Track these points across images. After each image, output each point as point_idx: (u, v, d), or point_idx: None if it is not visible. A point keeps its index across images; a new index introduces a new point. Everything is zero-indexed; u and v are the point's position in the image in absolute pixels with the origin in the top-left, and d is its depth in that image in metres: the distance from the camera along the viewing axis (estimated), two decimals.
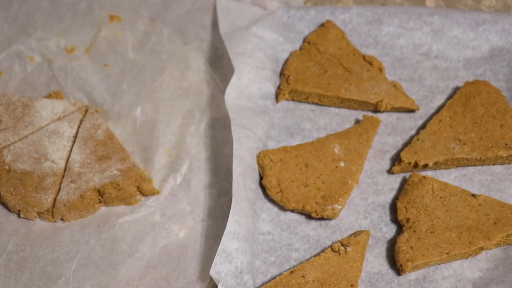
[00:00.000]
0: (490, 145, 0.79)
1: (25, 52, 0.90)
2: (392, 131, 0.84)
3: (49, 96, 0.86)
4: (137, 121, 0.85)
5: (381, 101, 0.84)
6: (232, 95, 0.81)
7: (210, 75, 0.89)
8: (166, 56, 0.91)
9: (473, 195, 0.76)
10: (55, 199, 0.78)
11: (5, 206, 0.79)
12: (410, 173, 0.80)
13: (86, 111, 0.84)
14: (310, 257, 0.74)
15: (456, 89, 0.86)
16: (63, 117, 0.83)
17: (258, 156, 0.80)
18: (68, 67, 0.89)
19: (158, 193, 0.80)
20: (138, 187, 0.79)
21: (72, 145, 0.81)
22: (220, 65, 0.90)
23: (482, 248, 0.73)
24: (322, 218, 0.77)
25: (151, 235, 0.77)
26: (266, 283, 0.72)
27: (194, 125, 0.85)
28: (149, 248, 0.76)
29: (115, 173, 0.79)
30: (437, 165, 0.79)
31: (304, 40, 0.91)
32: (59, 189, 0.78)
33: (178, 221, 0.78)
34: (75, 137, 0.82)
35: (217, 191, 0.80)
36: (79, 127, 0.83)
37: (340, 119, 0.85)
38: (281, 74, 0.88)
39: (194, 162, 0.82)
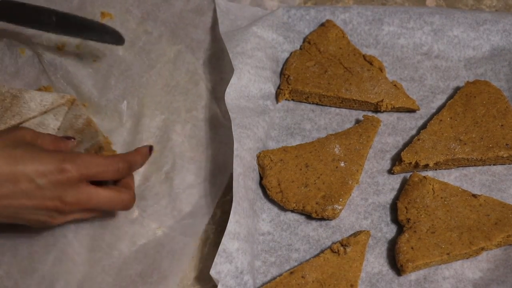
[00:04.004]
0: (490, 145, 0.78)
1: (16, 45, 0.89)
2: (392, 131, 0.84)
3: (39, 90, 0.86)
4: (123, 115, 0.85)
5: (382, 101, 0.83)
6: (232, 95, 0.81)
7: (199, 76, 0.89)
8: (155, 55, 0.91)
9: (474, 195, 0.75)
10: None
11: None
12: (410, 173, 0.80)
13: (73, 103, 0.84)
14: (310, 258, 0.74)
15: (456, 89, 0.86)
16: (51, 109, 0.83)
17: (258, 156, 0.80)
18: (58, 62, 0.89)
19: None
20: None
21: None
22: (209, 65, 0.90)
23: (482, 249, 0.72)
24: (322, 218, 0.77)
25: (130, 232, 0.77)
26: (266, 283, 0.72)
27: (180, 124, 0.85)
28: (127, 245, 0.76)
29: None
30: (437, 165, 0.79)
31: (304, 40, 0.91)
32: None
33: (158, 219, 0.78)
34: (60, 129, 0.82)
35: (198, 192, 0.80)
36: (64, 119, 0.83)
37: (340, 119, 0.85)
38: (281, 74, 0.88)
39: (177, 160, 0.82)
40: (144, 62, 0.90)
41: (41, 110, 0.83)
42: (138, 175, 0.81)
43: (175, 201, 0.79)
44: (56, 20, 0.82)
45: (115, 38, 0.83)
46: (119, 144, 0.84)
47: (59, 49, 0.91)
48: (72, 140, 0.76)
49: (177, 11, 0.94)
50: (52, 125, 0.82)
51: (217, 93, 0.88)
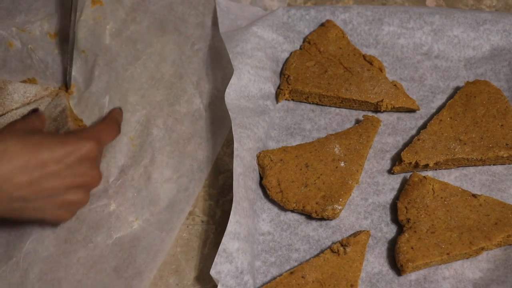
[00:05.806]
0: (490, 145, 0.78)
1: (5, 38, 0.89)
2: (392, 131, 0.84)
3: (23, 82, 0.87)
4: (104, 109, 0.86)
5: (382, 101, 0.83)
6: (232, 95, 0.81)
7: (184, 69, 0.89)
8: (141, 46, 0.91)
9: (474, 195, 0.75)
10: None
11: None
12: (410, 173, 0.80)
13: (56, 95, 0.84)
14: (310, 258, 0.74)
15: (456, 89, 0.86)
16: (33, 101, 0.83)
17: (258, 156, 0.80)
18: (47, 49, 0.89)
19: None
20: None
21: None
22: (195, 60, 0.90)
23: (482, 249, 0.73)
24: (322, 218, 0.77)
25: (106, 225, 0.77)
26: (266, 283, 0.72)
27: (162, 118, 0.85)
28: (103, 238, 0.76)
29: None
30: (437, 165, 0.79)
31: (304, 40, 0.91)
32: None
33: (135, 213, 0.78)
34: None
35: (176, 187, 0.80)
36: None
37: (340, 119, 0.85)
38: (281, 74, 0.88)
39: (157, 155, 0.82)
40: (130, 52, 0.90)
41: (24, 102, 0.83)
42: (116, 168, 0.81)
43: (153, 195, 0.79)
44: None
45: None
46: None
47: (51, 37, 0.91)
48: (37, 112, 0.77)
49: (167, 4, 0.94)
50: None
51: (201, 87, 0.88)
